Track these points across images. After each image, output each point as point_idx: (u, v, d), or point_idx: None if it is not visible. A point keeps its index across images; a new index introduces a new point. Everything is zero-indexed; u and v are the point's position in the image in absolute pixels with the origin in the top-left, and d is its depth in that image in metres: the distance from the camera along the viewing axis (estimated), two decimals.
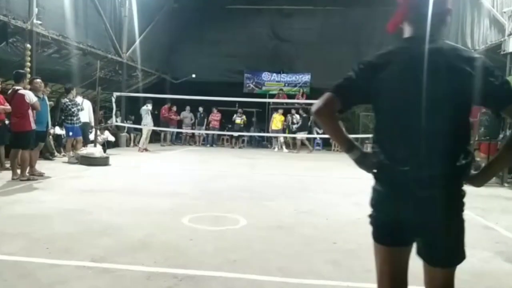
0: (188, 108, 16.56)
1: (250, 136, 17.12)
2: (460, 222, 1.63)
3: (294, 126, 15.29)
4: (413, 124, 1.59)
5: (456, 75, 1.55)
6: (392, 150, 1.63)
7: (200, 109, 16.56)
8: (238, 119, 16.27)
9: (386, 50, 1.71)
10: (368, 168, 1.72)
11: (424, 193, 1.56)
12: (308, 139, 15.63)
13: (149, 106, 13.18)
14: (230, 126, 17.95)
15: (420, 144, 1.57)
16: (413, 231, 1.65)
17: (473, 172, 1.66)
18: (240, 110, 16.31)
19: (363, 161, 1.72)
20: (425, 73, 1.56)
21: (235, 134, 15.99)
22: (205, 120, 16.78)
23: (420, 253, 1.67)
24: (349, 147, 1.72)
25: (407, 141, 1.61)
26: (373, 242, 1.73)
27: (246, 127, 16.84)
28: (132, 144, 14.87)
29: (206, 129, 16.61)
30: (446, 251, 1.62)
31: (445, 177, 1.56)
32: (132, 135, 15.05)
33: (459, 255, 1.63)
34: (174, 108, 16.30)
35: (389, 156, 1.63)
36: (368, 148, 17.45)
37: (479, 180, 1.68)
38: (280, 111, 15.82)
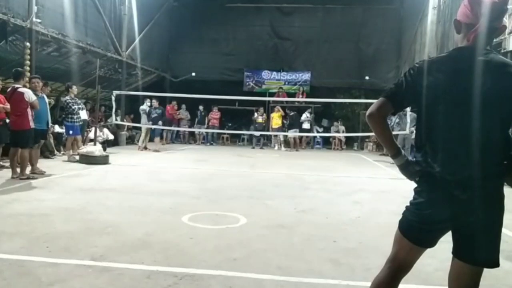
0: (184, 106, 16.56)
1: (250, 135, 17.06)
2: (500, 224, 1.70)
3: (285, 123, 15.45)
4: (456, 130, 1.67)
5: (500, 89, 1.62)
6: (433, 155, 1.70)
7: (201, 107, 16.55)
8: (260, 118, 16.12)
9: (437, 56, 1.80)
10: (410, 176, 1.81)
11: (466, 194, 1.63)
12: (300, 137, 15.64)
13: (145, 106, 13.16)
14: (230, 124, 17.86)
15: (461, 149, 1.65)
16: (444, 232, 1.74)
17: None
18: (260, 109, 16.20)
19: (406, 168, 1.80)
20: (471, 83, 1.63)
21: (257, 133, 15.81)
22: (206, 118, 16.77)
23: (458, 253, 1.74)
24: (395, 153, 1.81)
25: (449, 145, 1.68)
26: (398, 229, 1.82)
27: (246, 125, 16.77)
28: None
29: (206, 127, 16.59)
30: (488, 252, 1.69)
31: (486, 179, 1.64)
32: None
33: (498, 257, 1.70)
34: (176, 107, 16.30)
35: (431, 161, 1.70)
36: (369, 147, 17.24)
37: None
38: (276, 109, 15.80)
